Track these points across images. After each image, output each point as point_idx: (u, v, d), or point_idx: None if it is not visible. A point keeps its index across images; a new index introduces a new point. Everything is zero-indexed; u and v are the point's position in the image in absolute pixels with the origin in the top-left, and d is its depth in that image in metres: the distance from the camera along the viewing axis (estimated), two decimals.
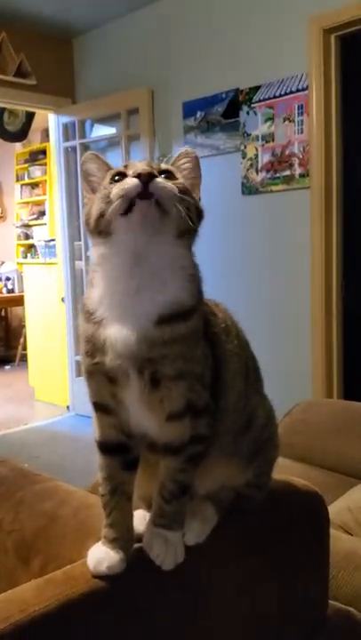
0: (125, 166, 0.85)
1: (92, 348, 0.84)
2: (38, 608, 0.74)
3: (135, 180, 0.79)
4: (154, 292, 0.82)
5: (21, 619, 0.72)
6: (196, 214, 0.86)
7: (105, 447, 0.88)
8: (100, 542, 0.86)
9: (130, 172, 0.81)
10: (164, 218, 0.80)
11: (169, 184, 0.81)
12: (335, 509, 1.66)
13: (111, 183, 0.83)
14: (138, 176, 0.79)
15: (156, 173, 0.81)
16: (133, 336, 0.80)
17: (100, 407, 0.88)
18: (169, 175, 0.84)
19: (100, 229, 0.83)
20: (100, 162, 0.90)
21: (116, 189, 0.80)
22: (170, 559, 0.85)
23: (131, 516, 0.90)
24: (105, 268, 0.85)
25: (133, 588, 0.84)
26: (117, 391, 0.84)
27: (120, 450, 0.88)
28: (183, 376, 0.83)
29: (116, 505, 0.87)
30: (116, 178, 0.83)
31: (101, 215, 0.82)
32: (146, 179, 0.79)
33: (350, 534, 1.62)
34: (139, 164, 0.83)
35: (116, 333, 0.81)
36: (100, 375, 0.84)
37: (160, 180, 0.80)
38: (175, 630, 0.89)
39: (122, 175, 0.83)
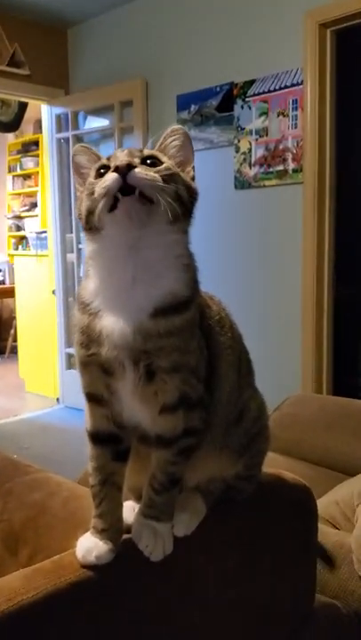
0: (109, 158, 0.84)
1: (86, 339, 0.83)
2: (26, 597, 0.74)
3: (114, 175, 0.78)
4: (149, 284, 0.81)
5: (9, 607, 0.72)
6: (188, 195, 0.84)
7: (96, 437, 0.88)
8: (89, 532, 0.86)
9: (112, 165, 0.80)
10: (151, 208, 0.79)
11: (149, 173, 0.79)
12: (323, 504, 1.67)
13: (96, 178, 0.83)
14: (116, 169, 0.78)
15: (134, 163, 0.79)
16: (129, 328, 0.80)
17: (93, 398, 0.87)
18: (154, 161, 0.83)
19: (91, 226, 0.82)
20: (90, 154, 0.89)
21: (99, 188, 0.79)
22: (158, 550, 0.86)
23: (120, 507, 0.90)
24: (99, 261, 0.84)
25: (122, 578, 0.84)
26: (111, 382, 0.84)
27: (111, 440, 0.88)
28: (178, 369, 0.82)
29: (106, 495, 0.87)
30: (101, 171, 0.82)
31: (90, 213, 0.81)
32: (124, 170, 0.77)
33: (337, 528, 1.63)
34: (120, 155, 0.82)
35: (113, 325, 0.81)
36: (94, 366, 0.84)
37: (139, 169, 0.78)
38: (163, 620, 0.89)
39: (106, 168, 0.82)
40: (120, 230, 0.80)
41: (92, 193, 0.80)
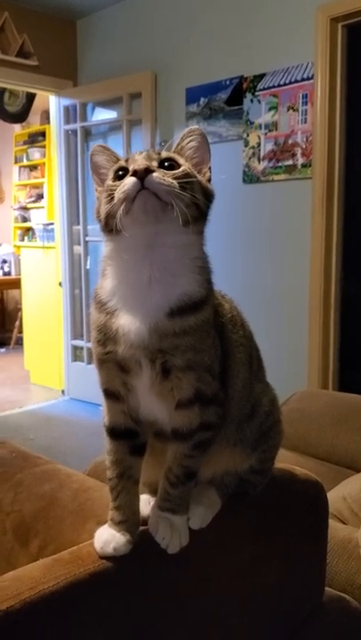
0: (127, 160, 0.85)
1: (103, 338, 0.85)
2: (47, 586, 0.75)
3: (133, 179, 0.79)
4: (165, 284, 0.83)
5: (31, 596, 0.74)
6: (204, 198, 0.85)
7: (114, 432, 0.90)
8: (106, 524, 0.88)
9: (131, 168, 0.81)
10: (166, 207, 0.80)
11: (167, 179, 0.80)
12: (330, 499, 1.67)
13: (114, 180, 0.84)
14: (135, 173, 0.79)
15: (153, 167, 0.80)
16: (145, 327, 0.82)
17: (110, 394, 0.89)
18: (171, 163, 0.84)
19: (111, 228, 0.83)
20: (108, 153, 0.90)
21: (118, 192, 0.80)
22: (175, 543, 0.87)
23: (137, 500, 0.91)
24: (117, 261, 0.86)
25: (139, 569, 0.86)
26: (128, 379, 0.86)
27: (128, 435, 0.89)
28: (193, 367, 0.84)
29: (123, 488, 0.89)
30: (120, 173, 0.84)
31: (109, 216, 0.82)
32: (142, 175, 0.79)
33: (345, 523, 1.64)
34: (138, 158, 0.83)
35: (129, 324, 0.82)
36: (111, 364, 0.85)
37: (156, 174, 0.80)
38: (178, 610, 0.91)
39: (124, 170, 0.83)
40: (136, 224, 0.81)
41: (112, 197, 0.81)
